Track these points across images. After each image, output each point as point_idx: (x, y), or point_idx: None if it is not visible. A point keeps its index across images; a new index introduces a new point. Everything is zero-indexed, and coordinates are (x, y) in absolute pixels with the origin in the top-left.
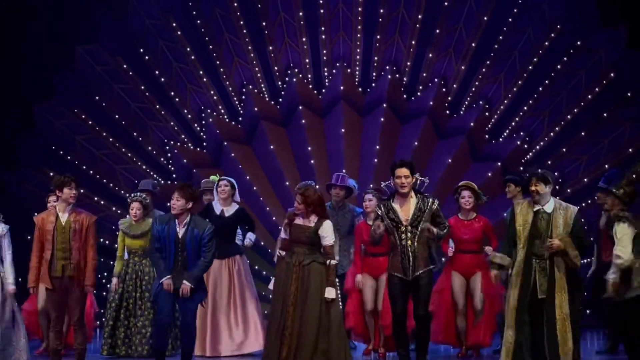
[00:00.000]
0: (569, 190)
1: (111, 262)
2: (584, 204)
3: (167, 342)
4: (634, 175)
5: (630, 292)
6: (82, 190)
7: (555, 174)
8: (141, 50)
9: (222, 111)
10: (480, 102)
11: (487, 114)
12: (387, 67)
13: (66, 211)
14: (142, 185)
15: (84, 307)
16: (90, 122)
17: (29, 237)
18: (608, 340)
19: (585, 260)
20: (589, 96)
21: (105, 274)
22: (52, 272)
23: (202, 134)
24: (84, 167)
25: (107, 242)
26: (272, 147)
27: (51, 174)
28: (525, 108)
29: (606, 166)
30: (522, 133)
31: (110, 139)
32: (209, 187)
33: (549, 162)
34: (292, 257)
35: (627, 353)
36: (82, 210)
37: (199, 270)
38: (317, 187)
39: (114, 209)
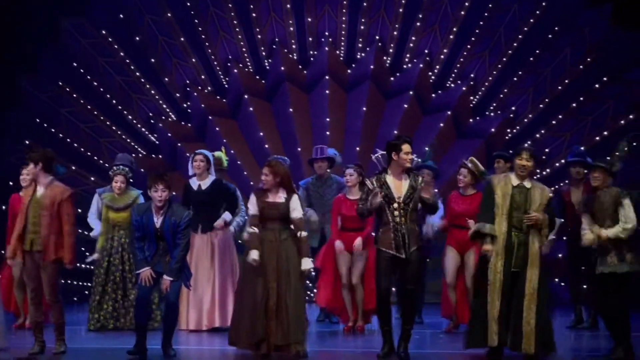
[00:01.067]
0: (552, 167)
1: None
2: (567, 181)
3: (148, 316)
4: (623, 154)
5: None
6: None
7: (531, 149)
8: (127, 24)
9: (207, 85)
10: (465, 79)
11: (471, 90)
12: (372, 43)
13: (43, 185)
14: (120, 159)
15: (56, 282)
16: (75, 96)
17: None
18: (589, 316)
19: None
20: (574, 73)
21: (82, 248)
22: (23, 245)
23: (187, 108)
24: (69, 140)
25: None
26: (256, 121)
27: (35, 147)
28: (509, 85)
29: (589, 143)
30: (506, 110)
31: (95, 113)
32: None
33: (533, 139)
34: (267, 233)
35: (607, 328)
36: (59, 185)
37: (177, 262)
38: (289, 162)
39: (98, 182)
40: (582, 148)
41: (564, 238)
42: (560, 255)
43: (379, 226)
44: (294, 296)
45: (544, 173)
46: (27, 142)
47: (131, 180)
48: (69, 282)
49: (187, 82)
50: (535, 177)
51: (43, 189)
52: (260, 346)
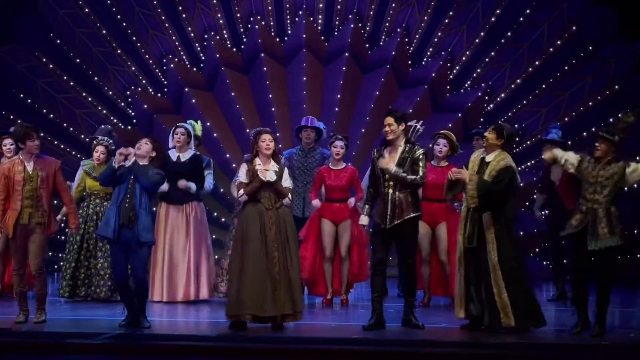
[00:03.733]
0: (528, 142)
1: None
2: (543, 157)
3: (131, 293)
4: (625, 125)
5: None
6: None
7: (516, 126)
8: None
9: (184, 57)
10: (442, 53)
11: (448, 65)
12: (350, 17)
13: (31, 160)
14: (100, 131)
15: (44, 254)
16: (51, 66)
17: None
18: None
19: (543, 213)
20: (551, 49)
21: (65, 218)
22: (20, 219)
23: (163, 79)
24: (44, 111)
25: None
26: (233, 94)
27: (11, 117)
28: (487, 60)
29: (566, 119)
30: (483, 84)
31: (71, 83)
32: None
33: (510, 114)
34: (262, 201)
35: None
36: (47, 157)
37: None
38: (278, 134)
39: (74, 153)
40: (558, 124)
41: (545, 212)
42: (535, 230)
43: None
44: (295, 262)
45: (520, 148)
46: (3, 112)
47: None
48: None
49: (164, 53)
50: (512, 153)
51: (32, 163)
52: (271, 320)
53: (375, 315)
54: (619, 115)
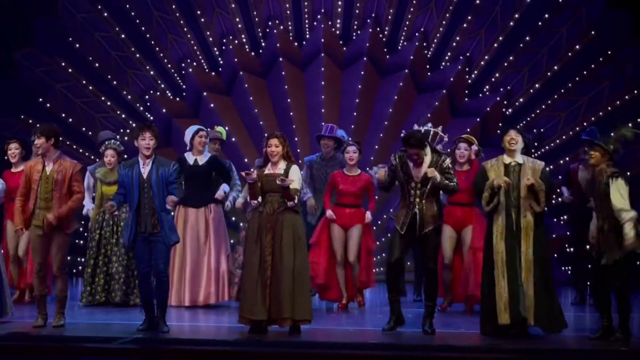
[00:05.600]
0: (547, 147)
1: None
2: (562, 161)
3: (152, 291)
4: (621, 137)
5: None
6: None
7: (534, 130)
8: None
9: (202, 61)
10: (461, 58)
11: (467, 69)
12: (368, 21)
13: (51, 160)
14: (102, 137)
15: (65, 254)
16: (70, 70)
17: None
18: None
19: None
20: (569, 53)
21: (82, 222)
22: (34, 220)
23: (181, 83)
24: (63, 115)
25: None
26: (251, 98)
27: (30, 121)
28: (505, 64)
29: (584, 124)
30: (501, 89)
31: (90, 87)
32: (216, 136)
33: (528, 118)
34: (264, 206)
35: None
36: (67, 159)
37: (179, 193)
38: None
39: (92, 157)
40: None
41: (565, 217)
42: (554, 235)
43: (400, 202)
44: (289, 269)
45: (539, 153)
46: (22, 116)
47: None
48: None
49: (182, 57)
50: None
51: (52, 165)
52: (258, 324)
53: (394, 317)
54: (618, 125)
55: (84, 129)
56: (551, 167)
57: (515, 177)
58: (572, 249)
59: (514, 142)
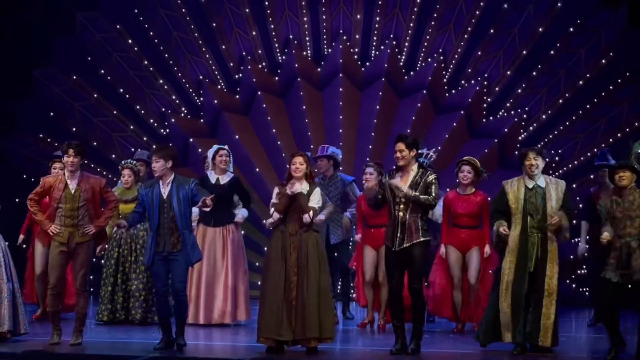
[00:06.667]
0: (565, 168)
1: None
2: (580, 182)
3: (170, 309)
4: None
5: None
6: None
7: (552, 152)
8: (141, 18)
9: (220, 81)
10: (479, 79)
11: (485, 90)
12: (387, 42)
13: (74, 178)
14: (138, 155)
15: (88, 271)
16: (88, 89)
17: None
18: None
19: (572, 240)
20: (588, 75)
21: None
22: (58, 237)
23: (199, 103)
24: (81, 134)
25: (102, 208)
26: (269, 118)
27: (48, 139)
28: (523, 85)
29: (602, 145)
30: (519, 110)
31: (108, 107)
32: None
33: (546, 139)
34: (287, 226)
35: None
36: (91, 175)
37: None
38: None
39: (110, 176)
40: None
41: (587, 237)
42: (572, 257)
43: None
44: (314, 290)
45: (557, 174)
46: (40, 135)
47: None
48: None
49: (200, 77)
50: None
51: (75, 182)
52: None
53: (399, 341)
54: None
55: (101, 147)
56: (573, 186)
57: (539, 200)
58: (589, 270)
59: (535, 168)
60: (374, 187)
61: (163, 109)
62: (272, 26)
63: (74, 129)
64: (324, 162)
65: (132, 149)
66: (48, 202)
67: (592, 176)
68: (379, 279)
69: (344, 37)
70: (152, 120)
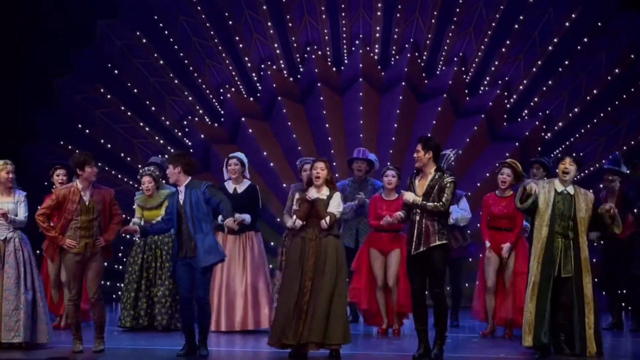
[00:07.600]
0: (587, 171)
1: (127, 236)
2: (601, 185)
3: (193, 316)
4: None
5: None
6: (99, 165)
7: (574, 154)
8: (161, 25)
9: (241, 87)
10: (499, 82)
11: (505, 94)
12: (407, 46)
13: (88, 189)
14: (151, 160)
15: (101, 280)
16: (109, 97)
17: None
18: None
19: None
20: (609, 77)
21: (122, 247)
22: (75, 249)
23: (219, 109)
24: (102, 141)
25: (123, 215)
26: (289, 123)
27: (69, 147)
28: (544, 88)
29: (624, 147)
30: (540, 113)
31: (129, 114)
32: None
33: (567, 142)
34: (306, 231)
35: None
36: (101, 186)
37: (226, 212)
38: (334, 163)
39: (131, 182)
40: (618, 153)
41: (601, 242)
42: (594, 260)
43: None
44: (326, 295)
45: (578, 177)
46: (61, 142)
47: (162, 180)
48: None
49: (220, 83)
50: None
51: (89, 194)
52: (291, 348)
53: (422, 345)
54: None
55: (122, 154)
56: (590, 191)
57: (566, 207)
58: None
59: (567, 172)
60: (397, 217)
61: (183, 115)
62: (292, 31)
63: (94, 136)
64: (364, 165)
65: (153, 155)
66: (56, 215)
67: (601, 185)
68: (389, 283)
69: (364, 42)
70: (172, 127)
